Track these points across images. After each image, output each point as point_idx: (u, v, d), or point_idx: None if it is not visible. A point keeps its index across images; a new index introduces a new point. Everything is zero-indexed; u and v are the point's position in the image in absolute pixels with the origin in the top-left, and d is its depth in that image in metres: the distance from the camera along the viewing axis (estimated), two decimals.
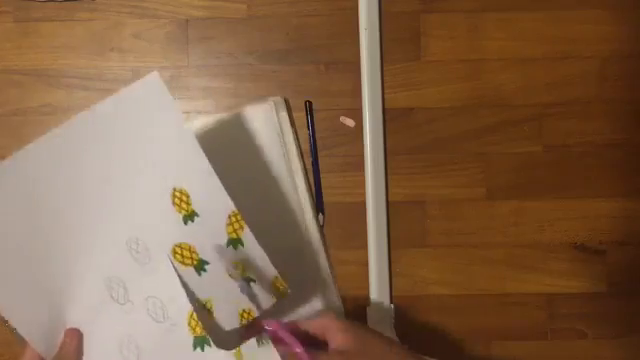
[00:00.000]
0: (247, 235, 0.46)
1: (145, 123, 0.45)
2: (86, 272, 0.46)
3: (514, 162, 0.61)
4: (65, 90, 0.61)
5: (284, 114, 0.60)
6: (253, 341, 0.45)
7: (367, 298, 0.60)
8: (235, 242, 0.45)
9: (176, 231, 0.45)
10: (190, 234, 0.45)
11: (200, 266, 0.46)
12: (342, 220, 0.61)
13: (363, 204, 0.60)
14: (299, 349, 0.41)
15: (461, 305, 0.61)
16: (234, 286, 0.47)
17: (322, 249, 0.60)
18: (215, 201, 0.45)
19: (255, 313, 0.48)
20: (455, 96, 0.61)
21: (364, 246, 0.60)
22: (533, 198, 0.61)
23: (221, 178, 0.58)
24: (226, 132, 0.59)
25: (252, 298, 0.48)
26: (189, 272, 0.46)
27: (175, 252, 0.46)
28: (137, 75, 0.61)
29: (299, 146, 0.61)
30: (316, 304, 0.59)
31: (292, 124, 0.60)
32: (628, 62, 0.61)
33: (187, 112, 0.61)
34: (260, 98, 0.60)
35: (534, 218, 0.61)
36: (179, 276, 0.45)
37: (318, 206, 0.61)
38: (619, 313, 0.61)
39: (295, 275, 0.59)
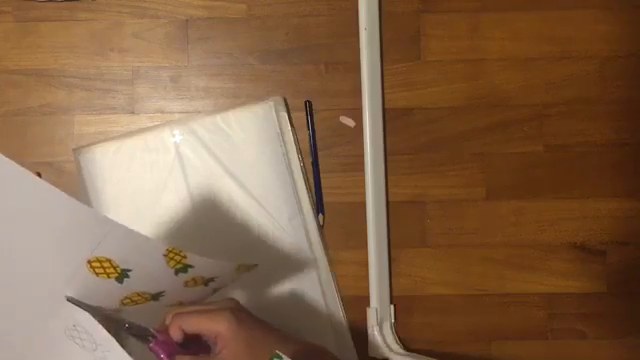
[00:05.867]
0: (193, 258, 0.42)
1: (15, 212, 0.38)
2: None
3: (514, 162, 0.61)
4: (65, 90, 0.61)
5: (284, 114, 0.60)
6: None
7: (367, 298, 0.60)
8: (184, 269, 0.43)
9: (115, 293, 0.42)
10: (132, 286, 0.42)
11: (155, 297, 0.45)
12: (342, 220, 0.61)
13: (363, 204, 0.60)
14: None
15: (461, 305, 0.61)
16: (196, 290, 0.46)
17: (322, 249, 0.60)
18: (143, 251, 0.41)
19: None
20: (455, 96, 0.61)
21: (364, 246, 0.60)
22: (533, 198, 0.61)
23: (221, 179, 0.59)
24: (226, 132, 0.59)
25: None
26: (148, 305, 0.45)
27: (124, 303, 0.44)
28: (137, 75, 0.61)
29: (299, 146, 0.61)
30: (316, 304, 0.59)
31: (291, 124, 0.60)
32: (628, 62, 0.61)
33: (187, 112, 0.61)
34: (260, 98, 0.60)
35: (534, 218, 0.61)
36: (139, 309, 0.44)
37: (318, 206, 0.61)
38: (619, 313, 0.61)
39: (294, 275, 0.59)
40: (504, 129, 0.61)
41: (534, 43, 0.61)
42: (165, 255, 0.41)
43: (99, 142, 0.59)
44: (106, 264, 0.40)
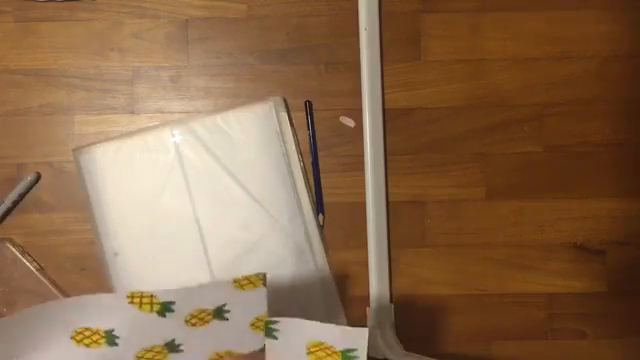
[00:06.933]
0: (162, 294, 0.41)
1: None
2: None
3: (514, 162, 0.61)
4: (65, 90, 0.61)
5: (283, 114, 0.60)
6: None
7: (367, 298, 0.60)
8: (165, 308, 0.41)
9: (117, 357, 0.42)
10: (129, 343, 0.42)
11: (172, 348, 0.43)
12: (342, 220, 0.61)
13: (363, 204, 0.60)
14: None
15: (461, 305, 0.61)
16: (218, 329, 0.43)
17: (322, 249, 0.60)
18: (109, 307, 0.40)
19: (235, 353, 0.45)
20: (455, 96, 0.61)
21: (364, 246, 0.60)
22: (533, 198, 0.61)
23: (221, 179, 0.59)
24: (226, 132, 0.59)
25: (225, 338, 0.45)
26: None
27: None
28: (137, 75, 0.61)
29: (299, 146, 0.61)
30: (316, 304, 0.59)
31: (291, 124, 0.60)
32: (628, 62, 0.61)
33: (187, 112, 0.61)
34: (260, 98, 0.60)
35: (534, 218, 0.61)
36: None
37: (318, 206, 0.61)
38: (619, 313, 0.61)
39: (295, 276, 0.59)
40: (504, 129, 0.61)
41: (534, 43, 0.61)
42: (131, 302, 0.40)
43: (99, 142, 0.59)
44: (87, 332, 0.40)
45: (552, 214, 0.61)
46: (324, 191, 0.61)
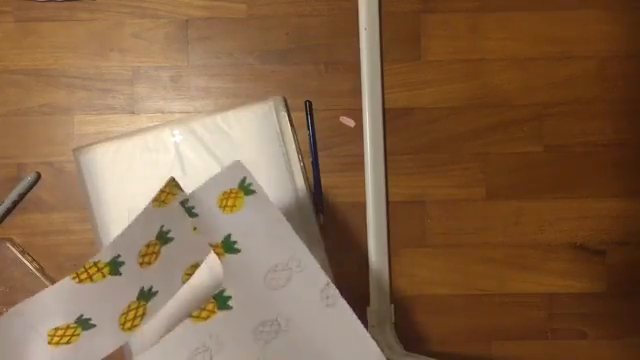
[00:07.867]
0: (104, 253, 0.40)
1: None
2: None
3: (514, 162, 0.61)
4: (65, 90, 0.61)
5: (283, 114, 0.60)
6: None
7: (367, 298, 0.60)
8: (114, 265, 0.41)
9: (96, 343, 0.41)
10: (101, 323, 0.41)
11: (147, 297, 0.42)
12: (342, 220, 0.61)
13: (363, 204, 0.60)
14: None
15: (461, 305, 0.61)
16: (173, 254, 0.43)
17: (322, 249, 0.60)
18: (69, 296, 0.40)
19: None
20: (455, 96, 0.61)
21: (364, 246, 0.60)
22: (533, 198, 0.61)
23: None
24: (226, 132, 0.59)
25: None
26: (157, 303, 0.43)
27: (126, 328, 0.42)
28: (137, 75, 0.61)
29: (299, 146, 0.61)
30: None
31: (291, 124, 0.60)
32: (628, 62, 0.61)
33: (187, 112, 0.61)
34: (260, 98, 0.60)
35: (534, 218, 0.61)
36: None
37: (318, 206, 0.61)
38: (619, 313, 0.61)
39: None
40: (504, 129, 0.61)
41: (534, 43, 0.61)
42: (80, 282, 0.39)
43: (99, 142, 0.59)
44: (59, 332, 0.40)
45: (552, 214, 0.61)
46: (324, 191, 0.61)
